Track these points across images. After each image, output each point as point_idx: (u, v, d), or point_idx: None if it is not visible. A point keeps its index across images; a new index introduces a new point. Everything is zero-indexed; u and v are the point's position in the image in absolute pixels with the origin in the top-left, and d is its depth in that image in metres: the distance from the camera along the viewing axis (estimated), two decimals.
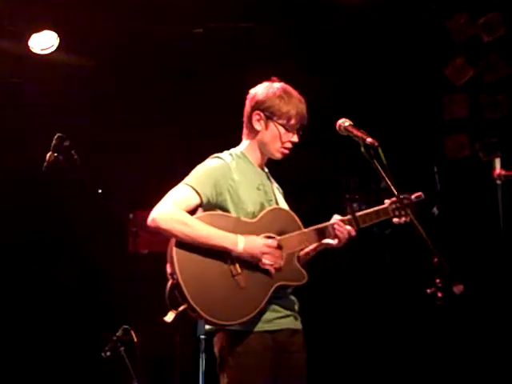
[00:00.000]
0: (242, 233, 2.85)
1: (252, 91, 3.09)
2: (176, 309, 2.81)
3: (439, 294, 2.37)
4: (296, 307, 3.03)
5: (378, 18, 5.37)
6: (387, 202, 3.02)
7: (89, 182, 4.35)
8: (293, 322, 2.98)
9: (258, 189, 3.01)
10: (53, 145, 4.21)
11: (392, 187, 2.59)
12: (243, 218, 2.91)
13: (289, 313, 2.97)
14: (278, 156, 3.06)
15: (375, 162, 2.60)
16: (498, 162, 4.32)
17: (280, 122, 2.99)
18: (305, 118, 3.02)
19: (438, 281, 2.39)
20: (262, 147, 3.05)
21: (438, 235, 2.92)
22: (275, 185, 3.18)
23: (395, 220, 3.00)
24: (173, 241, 2.85)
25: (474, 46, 5.42)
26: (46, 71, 5.31)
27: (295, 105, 3.00)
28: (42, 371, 5.38)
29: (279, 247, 2.90)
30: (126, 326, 4.20)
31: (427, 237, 2.49)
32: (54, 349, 5.43)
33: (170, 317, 2.83)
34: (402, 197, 2.93)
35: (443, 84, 5.54)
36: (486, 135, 5.43)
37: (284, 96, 3.00)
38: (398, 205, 2.97)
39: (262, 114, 3.01)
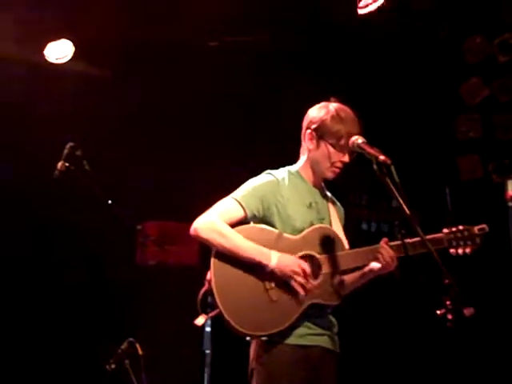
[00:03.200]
0: (282, 248, 2.90)
1: (309, 110, 3.12)
2: (207, 314, 2.90)
3: (449, 316, 2.34)
4: (334, 328, 3.04)
5: (393, 37, 5.37)
6: (445, 231, 2.96)
7: (99, 193, 4.34)
8: (327, 342, 2.98)
9: (310, 206, 3.03)
10: (64, 154, 4.23)
11: (404, 206, 2.55)
12: (285, 234, 2.94)
13: (323, 332, 2.98)
14: (329, 175, 3.06)
15: (387, 180, 2.57)
16: (510, 184, 4.28)
17: (330, 141, 3.00)
18: (355, 134, 2.94)
19: (448, 303, 2.36)
20: (314, 166, 3.07)
21: (448, 256, 2.88)
22: (337, 204, 3.20)
23: (452, 251, 2.94)
24: (214, 250, 2.94)
25: (489, 66, 5.40)
26: (60, 80, 5.33)
27: (346, 124, 2.98)
28: (45, 383, 5.35)
29: (318, 266, 2.92)
30: (132, 339, 4.18)
31: (439, 258, 2.46)
32: (58, 360, 5.41)
33: (200, 320, 2.93)
34: (462, 228, 2.93)
35: (457, 104, 5.52)
36: (499, 156, 5.41)
37: (336, 116, 3.00)
38: (457, 235, 2.93)
39: (313, 133, 3.04)
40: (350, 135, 2.93)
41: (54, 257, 5.62)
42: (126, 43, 5.29)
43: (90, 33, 5.20)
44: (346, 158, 3.01)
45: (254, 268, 2.87)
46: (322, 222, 3.03)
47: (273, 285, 2.88)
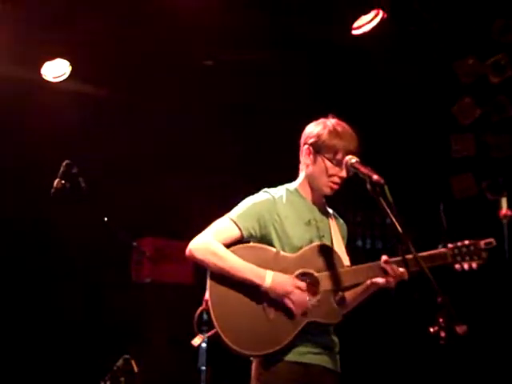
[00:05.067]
0: (279, 267, 2.87)
1: (306, 127, 3.11)
2: (203, 334, 2.89)
3: (442, 334, 2.35)
4: (335, 348, 2.99)
5: (388, 57, 5.42)
6: (450, 246, 2.92)
7: (95, 210, 4.36)
8: (327, 361, 2.94)
9: (308, 224, 3.00)
10: (61, 172, 4.25)
11: (397, 225, 2.54)
12: (283, 253, 2.92)
13: (324, 351, 2.93)
14: (327, 191, 3.02)
15: (381, 199, 2.57)
16: (504, 202, 4.31)
17: (327, 155, 2.98)
18: (353, 149, 2.94)
19: (441, 320, 2.37)
20: (312, 182, 3.05)
21: (443, 274, 2.89)
22: (339, 221, 3.16)
23: (457, 266, 2.89)
24: (209, 270, 2.92)
25: (481, 86, 5.46)
26: (57, 99, 5.36)
27: (343, 139, 2.96)
28: None
29: (316, 283, 2.88)
30: (127, 356, 4.18)
31: (432, 276, 2.47)
32: (53, 377, 5.38)
33: (196, 341, 2.90)
34: (467, 242, 2.90)
35: (451, 123, 5.57)
36: (492, 175, 5.44)
37: (333, 131, 2.99)
38: (463, 250, 2.89)
39: (310, 148, 3.02)
40: (347, 150, 2.92)
41: (50, 274, 5.62)
42: (121, 62, 5.33)
43: (86, 52, 5.24)
44: (344, 173, 2.96)
45: (250, 287, 2.85)
46: (321, 240, 2.99)
47: (269, 303, 2.85)
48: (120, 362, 4.14)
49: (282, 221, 2.95)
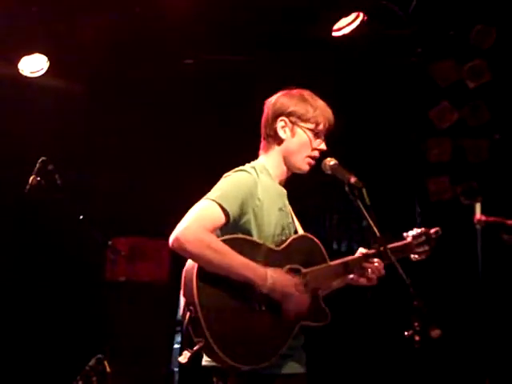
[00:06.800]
0: (267, 263, 2.57)
1: (270, 99, 2.84)
2: (191, 348, 2.46)
3: (416, 338, 2.36)
4: (302, 346, 2.74)
5: (365, 60, 5.44)
6: (406, 235, 2.91)
7: (70, 207, 4.32)
8: (300, 367, 2.71)
9: (281, 210, 2.73)
10: (36, 168, 4.21)
11: (374, 227, 2.55)
12: (270, 246, 2.63)
13: (298, 354, 2.70)
14: (305, 168, 2.79)
15: (358, 201, 2.57)
16: (478, 207, 4.34)
17: (308, 126, 2.76)
18: (332, 123, 2.80)
19: (416, 324, 2.38)
20: (288, 158, 2.78)
21: (417, 277, 2.90)
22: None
23: (415, 257, 2.89)
24: (194, 267, 2.50)
25: (459, 90, 5.50)
26: (34, 94, 5.31)
27: (322, 109, 2.78)
28: None
29: (304, 281, 2.64)
30: (100, 356, 4.15)
31: (408, 279, 2.48)
32: (25, 377, 5.33)
33: (184, 357, 2.47)
34: (421, 231, 2.92)
35: (428, 127, 5.61)
36: (467, 179, 5.49)
37: (309, 99, 2.78)
38: (419, 240, 2.90)
39: (286, 120, 2.76)
40: (327, 119, 2.78)
41: (23, 272, 5.56)
42: (100, 58, 5.29)
43: (64, 47, 5.20)
44: (324, 146, 2.79)
45: (244, 288, 2.51)
46: (289, 227, 2.76)
47: (263, 306, 2.55)
48: (92, 362, 4.12)
49: (261, 205, 2.64)
